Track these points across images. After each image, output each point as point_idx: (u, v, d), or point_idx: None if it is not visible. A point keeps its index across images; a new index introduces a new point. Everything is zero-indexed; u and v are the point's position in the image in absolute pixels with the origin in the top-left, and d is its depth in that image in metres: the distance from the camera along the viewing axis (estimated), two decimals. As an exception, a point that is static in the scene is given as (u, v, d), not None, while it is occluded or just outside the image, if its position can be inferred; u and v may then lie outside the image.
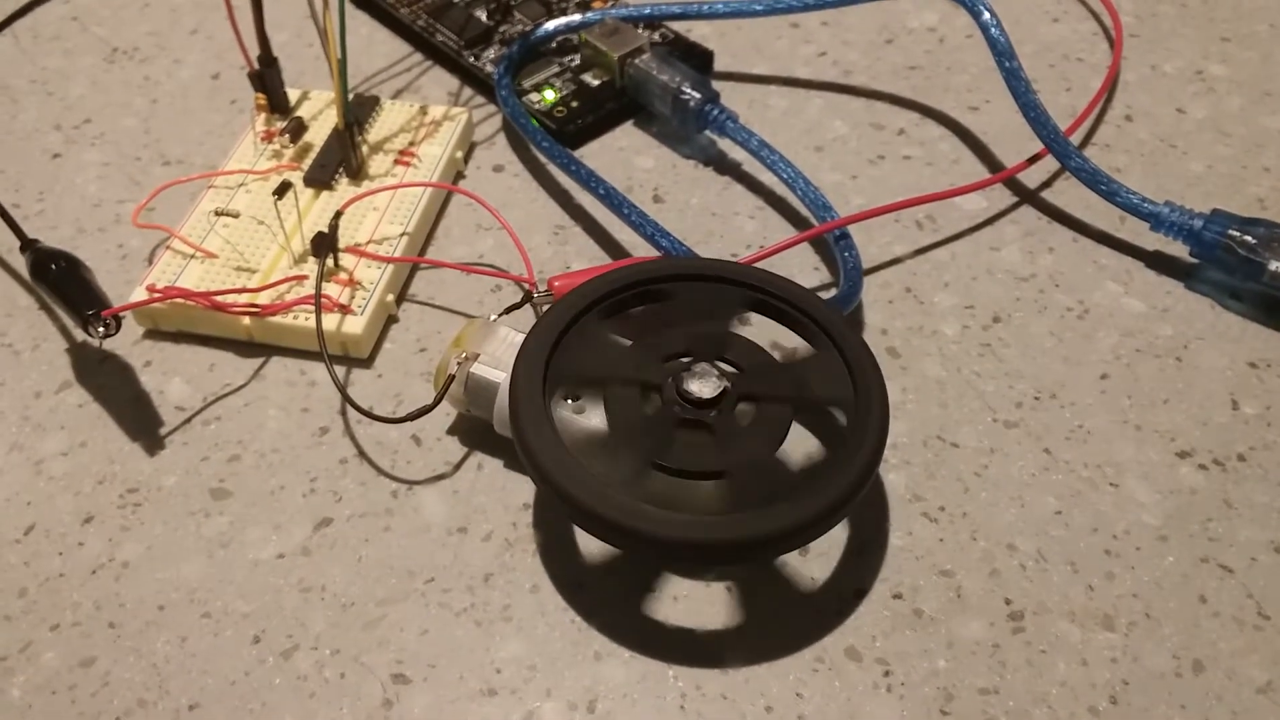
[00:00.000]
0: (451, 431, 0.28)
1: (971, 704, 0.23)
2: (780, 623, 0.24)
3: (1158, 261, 0.32)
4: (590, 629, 0.24)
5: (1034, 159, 0.33)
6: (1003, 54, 0.32)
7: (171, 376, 0.29)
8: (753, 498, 0.23)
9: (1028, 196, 0.34)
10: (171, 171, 0.35)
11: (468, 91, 0.38)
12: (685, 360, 0.25)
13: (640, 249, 0.32)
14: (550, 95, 0.36)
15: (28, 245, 0.30)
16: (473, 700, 0.23)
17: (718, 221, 0.33)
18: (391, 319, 0.31)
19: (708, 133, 0.35)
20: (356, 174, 0.33)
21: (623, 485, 0.23)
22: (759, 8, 0.36)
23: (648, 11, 0.37)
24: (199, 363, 0.30)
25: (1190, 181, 0.34)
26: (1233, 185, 0.34)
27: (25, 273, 0.29)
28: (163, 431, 0.28)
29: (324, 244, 0.30)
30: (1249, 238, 0.30)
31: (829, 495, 0.23)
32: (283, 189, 0.30)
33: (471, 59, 0.38)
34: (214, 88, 0.38)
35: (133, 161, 0.36)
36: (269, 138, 0.34)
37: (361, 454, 0.28)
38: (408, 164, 0.34)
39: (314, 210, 0.32)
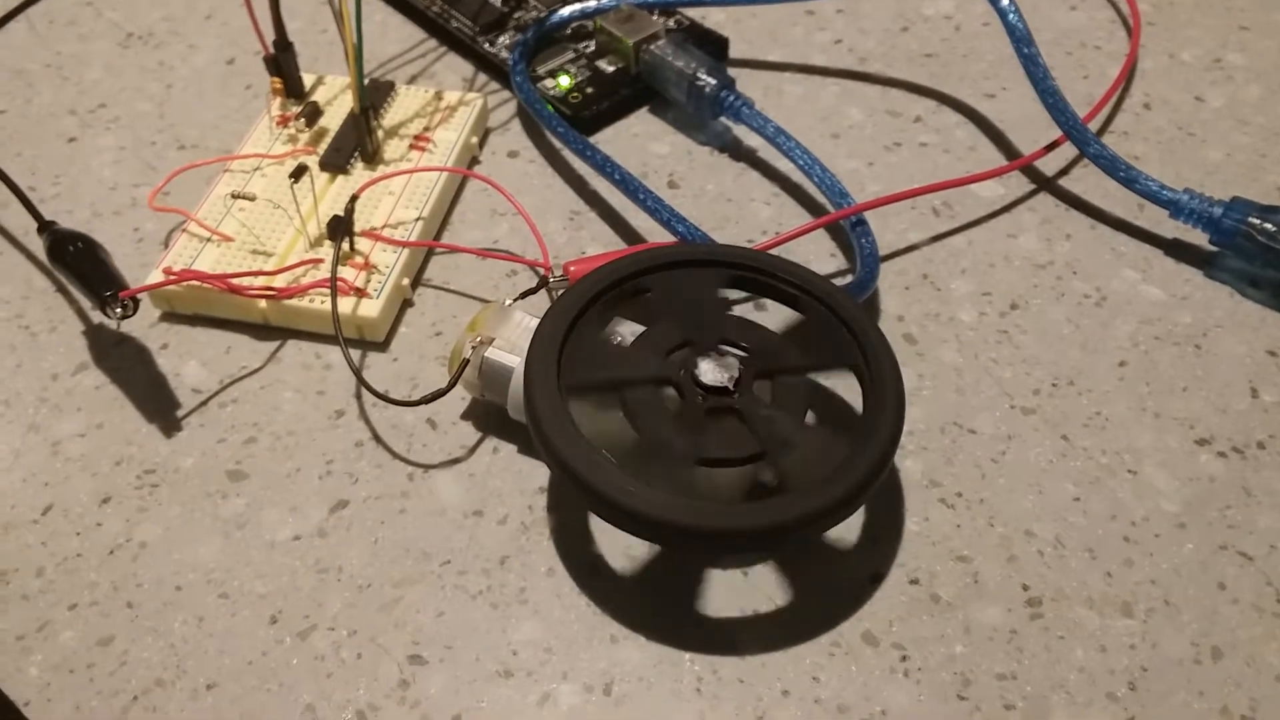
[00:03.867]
0: (467, 415, 0.28)
1: (989, 689, 0.23)
2: (797, 607, 0.24)
3: (1176, 249, 0.31)
4: (606, 612, 0.24)
5: (1052, 146, 0.33)
6: (1021, 40, 0.32)
7: (188, 359, 0.30)
8: (798, 471, 0.23)
9: (1045, 184, 0.34)
10: (187, 155, 0.35)
11: (482, 77, 0.38)
12: (689, 349, 0.25)
13: (655, 235, 0.32)
14: (565, 81, 0.36)
15: (45, 227, 0.30)
16: (489, 682, 0.23)
17: (733, 207, 0.33)
18: (407, 303, 0.31)
19: (723, 119, 0.35)
20: (372, 158, 0.33)
21: (671, 486, 0.23)
22: (775, -6, 0.36)
23: (663, -3, 0.37)
24: (215, 345, 0.30)
25: (1209, 169, 0.34)
26: (1252, 173, 0.33)
27: (42, 255, 0.29)
28: (179, 413, 0.28)
29: (339, 228, 0.30)
30: (1269, 225, 0.29)
31: (852, 480, 0.23)
32: (298, 173, 0.30)
33: (486, 45, 0.38)
34: (229, 72, 0.38)
35: (148, 146, 0.36)
36: (284, 122, 0.34)
37: (377, 437, 0.28)
38: (423, 149, 0.34)
39: (330, 194, 0.32)
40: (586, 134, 0.35)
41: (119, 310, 0.27)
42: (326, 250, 0.30)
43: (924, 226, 0.32)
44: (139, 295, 0.27)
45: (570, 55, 0.37)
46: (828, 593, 0.25)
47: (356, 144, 0.33)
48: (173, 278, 0.29)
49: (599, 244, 0.32)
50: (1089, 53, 0.38)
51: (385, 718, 0.23)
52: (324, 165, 0.33)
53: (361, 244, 0.30)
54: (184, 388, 0.29)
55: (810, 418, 0.27)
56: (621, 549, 0.25)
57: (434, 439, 0.28)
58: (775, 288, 0.27)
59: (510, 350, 0.26)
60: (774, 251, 0.28)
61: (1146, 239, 0.32)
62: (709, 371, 0.24)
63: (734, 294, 0.30)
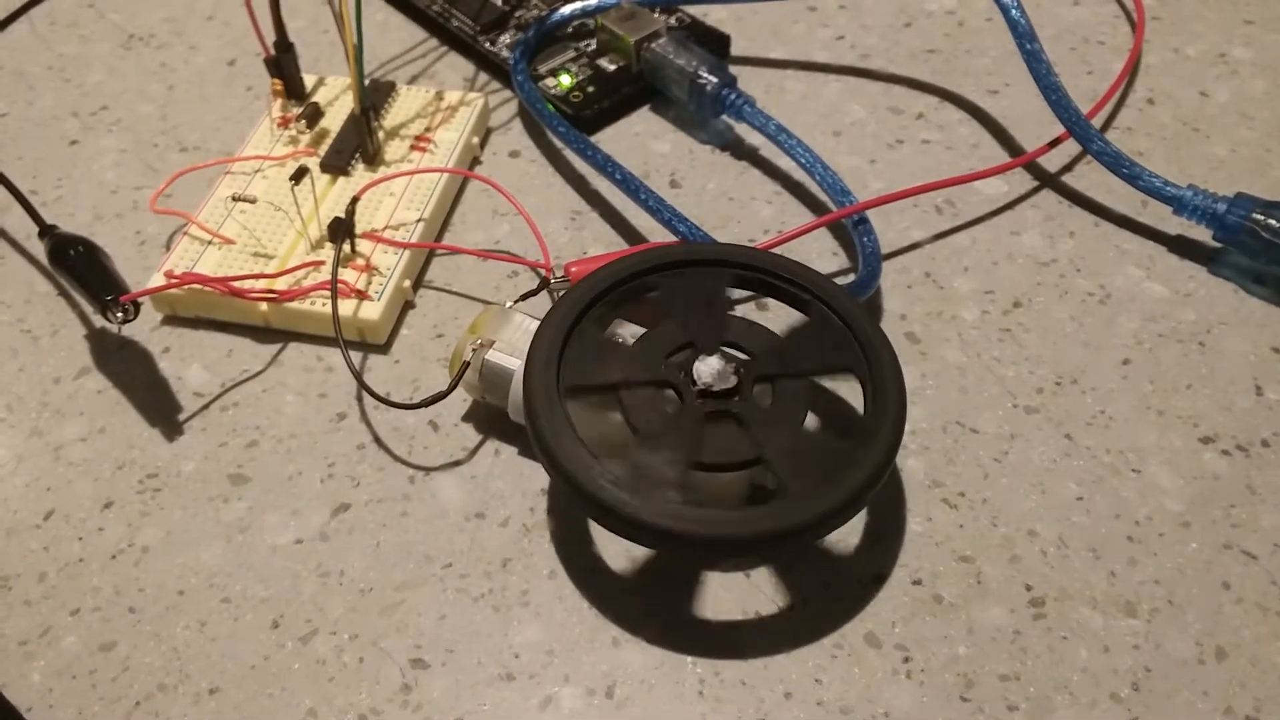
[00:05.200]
0: (468, 417, 0.28)
1: (992, 690, 0.23)
2: (799, 609, 0.24)
3: (1180, 246, 0.31)
4: (608, 614, 0.24)
5: (1055, 142, 0.33)
6: (1024, 36, 0.32)
7: (190, 362, 0.30)
8: (796, 477, 0.23)
9: (1048, 180, 0.33)
10: (188, 158, 0.35)
11: (483, 77, 0.38)
12: (690, 351, 0.25)
13: (657, 234, 0.32)
14: (566, 80, 0.36)
15: (46, 231, 0.30)
16: (491, 685, 0.23)
17: (735, 206, 0.33)
18: (408, 305, 0.31)
19: (725, 117, 0.35)
20: (373, 160, 0.33)
21: (668, 490, 0.23)
22: (776, -9, 0.36)
23: (664, -5, 0.37)
24: (217, 348, 0.30)
25: (1213, 165, 0.33)
26: (1256, 169, 0.33)
27: (44, 258, 0.29)
28: (181, 417, 0.28)
29: (341, 230, 0.29)
30: (1273, 221, 0.29)
31: (852, 484, 0.23)
32: (299, 174, 0.29)
33: (487, 44, 0.38)
34: (230, 74, 0.38)
35: (150, 148, 0.36)
36: (285, 123, 0.34)
37: (378, 440, 0.28)
38: (424, 149, 0.34)
39: (331, 196, 0.32)
40: (588, 133, 0.35)
41: (120, 314, 0.27)
42: (327, 252, 0.30)
43: (926, 224, 0.32)
44: (140, 299, 0.27)
45: (571, 54, 0.37)
46: (830, 594, 0.25)
47: (357, 145, 0.33)
48: (174, 281, 0.29)
49: (600, 244, 0.32)
50: (1092, 48, 0.38)
51: (387, 721, 0.23)
52: (325, 167, 0.33)
53: (362, 246, 0.30)
54: (186, 391, 0.29)
55: (811, 420, 0.27)
56: (623, 551, 0.25)
57: (435, 441, 0.28)
58: (777, 287, 0.27)
59: (511, 353, 0.26)
60: (776, 250, 0.28)
61: (1150, 236, 0.32)
62: (708, 375, 0.24)
63: (736, 293, 0.30)
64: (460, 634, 0.24)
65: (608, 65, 0.36)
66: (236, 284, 0.29)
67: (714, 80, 0.34)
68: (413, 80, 0.38)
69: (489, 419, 0.28)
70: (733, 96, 0.34)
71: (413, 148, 0.34)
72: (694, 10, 0.39)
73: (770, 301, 0.30)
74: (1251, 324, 0.29)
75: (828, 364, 0.26)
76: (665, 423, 0.24)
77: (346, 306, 0.29)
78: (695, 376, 0.24)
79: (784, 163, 0.34)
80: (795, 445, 0.24)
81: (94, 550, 0.26)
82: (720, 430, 0.24)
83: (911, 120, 0.36)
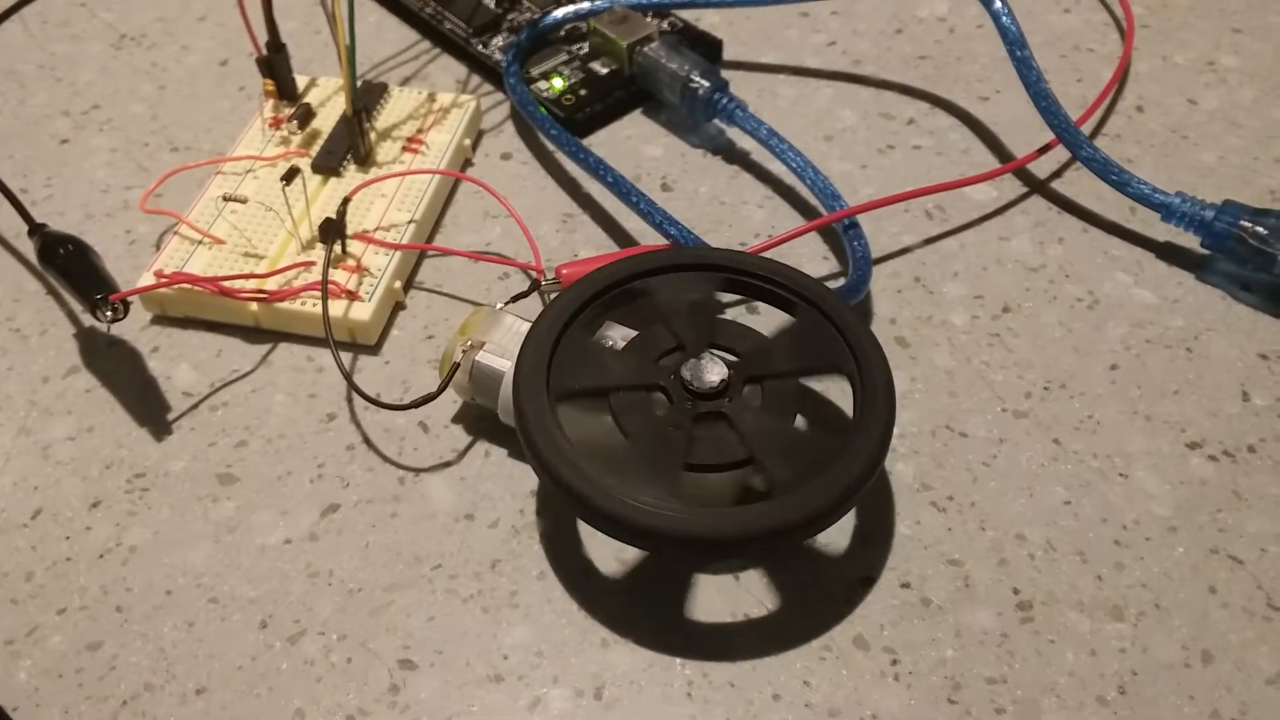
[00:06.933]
0: (458, 419, 0.28)
1: (979, 693, 0.23)
2: (788, 611, 0.24)
3: (1168, 252, 0.31)
4: (597, 616, 0.24)
5: (1044, 149, 0.33)
6: (1014, 43, 0.32)
7: (179, 362, 0.29)
8: (787, 477, 0.23)
9: (1038, 187, 0.34)
10: (179, 157, 0.35)
11: (476, 79, 0.38)
12: (679, 354, 0.25)
13: (648, 237, 0.32)
14: (559, 83, 0.36)
15: (35, 229, 0.30)
16: (479, 686, 0.23)
17: (726, 210, 0.33)
18: (399, 306, 0.31)
19: (716, 121, 0.35)
20: (364, 161, 0.33)
21: (658, 492, 0.23)
22: (769, -4, 0.36)
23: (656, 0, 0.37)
24: (206, 348, 0.30)
25: (1202, 172, 0.34)
26: (1244, 176, 0.33)
27: (33, 257, 0.29)
28: (170, 417, 0.28)
29: (332, 230, 0.30)
30: (1260, 229, 0.29)
31: (839, 484, 0.23)
32: (290, 175, 0.29)
33: (480, 47, 0.38)
34: (222, 74, 0.38)
35: (141, 147, 0.36)
36: (277, 124, 0.34)
37: (368, 441, 0.28)
38: (416, 151, 0.34)
39: (322, 196, 0.32)
40: (580, 136, 0.35)
41: (109, 314, 0.27)
42: (318, 253, 0.30)
43: (917, 229, 0.32)
44: (130, 298, 0.27)
45: (564, 57, 0.37)
46: (819, 597, 0.25)
47: (349, 146, 0.33)
48: (164, 280, 0.29)
49: (592, 246, 0.32)
50: (1082, 55, 0.38)
51: (375, 722, 0.23)
52: (316, 167, 0.33)
53: (354, 247, 0.30)
54: (175, 391, 0.29)
55: (800, 421, 0.27)
56: (612, 553, 0.25)
57: (425, 443, 0.28)
58: (767, 291, 0.27)
59: (501, 354, 0.26)
60: (767, 254, 0.28)
61: (1139, 242, 0.32)
62: (698, 377, 0.24)
63: (727, 297, 0.30)
64: (449, 635, 0.24)
65: (600, 69, 0.37)
66: (227, 284, 0.29)
67: (706, 84, 0.34)
68: (405, 82, 0.38)
69: (479, 420, 0.28)
70: (724, 101, 0.34)
71: (404, 149, 0.34)
72: (686, 14, 0.39)
73: (761, 305, 0.30)
74: (1239, 330, 0.29)
75: (816, 363, 0.26)
76: (656, 425, 0.24)
77: (337, 307, 0.29)
78: (684, 378, 0.24)
79: (775, 167, 0.34)
80: (786, 444, 0.24)
81: (81, 549, 0.26)
82: (711, 431, 0.24)
83: (902, 126, 0.36)
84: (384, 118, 0.35)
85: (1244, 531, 0.25)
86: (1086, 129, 0.35)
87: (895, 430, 0.24)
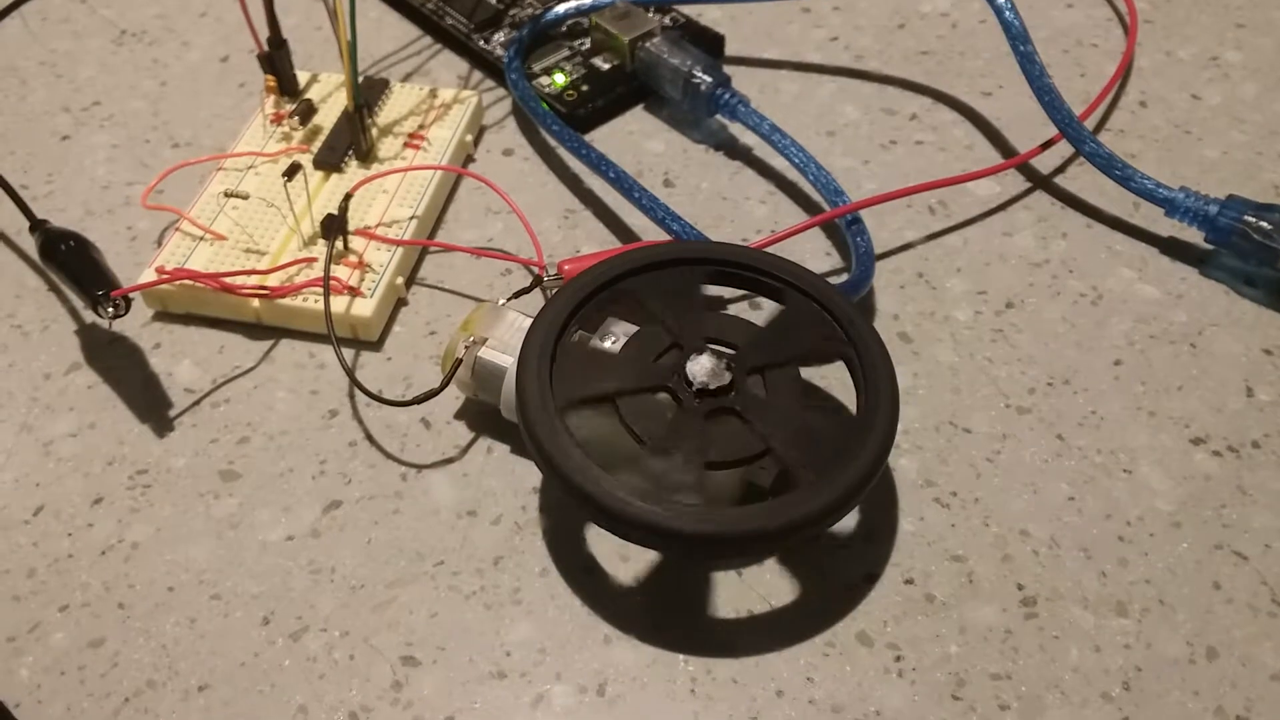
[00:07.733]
0: (460, 415, 0.28)
1: (983, 689, 0.23)
2: (791, 607, 0.24)
3: (1172, 248, 0.31)
4: (600, 612, 0.24)
5: (1048, 144, 0.33)
6: (1017, 38, 0.32)
7: (181, 358, 0.29)
8: (806, 463, 0.23)
9: (1041, 182, 0.33)
10: (180, 154, 0.35)
11: (477, 75, 0.38)
12: (678, 351, 0.25)
13: (650, 233, 0.32)
14: (560, 79, 0.36)
15: (37, 226, 0.30)
16: (482, 683, 0.23)
17: (728, 206, 0.33)
18: (401, 302, 0.31)
19: (718, 117, 0.35)
20: (366, 157, 0.33)
21: (687, 495, 0.23)
22: (771, -9, 0.36)
23: (659, -5, 0.37)
24: (208, 345, 0.30)
25: (1205, 167, 0.34)
26: (1248, 171, 0.33)
27: (34, 254, 0.29)
28: (172, 413, 0.28)
29: (334, 226, 0.29)
30: (1264, 224, 0.29)
31: (843, 483, 0.23)
32: (292, 171, 0.29)
33: (481, 42, 0.38)
34: (223, 70, 0.38)
35: (142, 144, 0.36)
36: (278, 120, 0.34)
37: (370, 437, 0.28)
38: (417, 147, 0.34)
39: (323, 192, 0.32)
40: (581, 132, 0.35)
41: (111, 310, 0.27)
42: (320, 249, 0.30)
43: (919, 225, 0.32)
44: (131, 295, 0.27)
45: (565, 53, 0.37)
46: (822, 593, 0.25)
47: (350, 142, 0.33)
48: (165, 277, 0.29)
49: (594, 242, 0.32)
50: (1085, 50, 0.38)
51: (378, 719, 0.23)
52: (318, 163, 0.33)
53: (355, 243, 0.30)
54: (176, 387, 0.29)
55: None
56: (615, 550, 0.25)
57: (428, 439, 0.27)
58: (768, 285, 0.26)
59: (503, 350, 0.26)
60: (769, 250, 0.28)
61: (1142, 237, 0.32)
62: (703, 373, 0.24)
63: (729, 292, 0.30)
64: (451, 631, 0.24)
65: (602, 64, 0.36)
66: (228, 280, 0.29)
67: (708, 80, 0.34)
68: (406, 78, 0.38)
69: (481, 416, 0.28)
70: (727, 96, 0.34)
71: (406, 145, 0.34)
72: (688, 10, 0.39)
73: (763, 301, 0.30)
74: (1243, 325, 0.29)
75: (814, 348, 0.26)
76: (670, 427, 0.24)
77: (339, 303, 0.29)
78: (690, 377, 0.24)
79: (778, 163, 0.34)
80: (799, 432, 0.24)
81: (83, 546, 0.26)
82: (724, 427, 0.24)
83: (905, 121, 0.36)
84: (385, 114, 0.35)
85: (1248, 527, 0.25)
86: (1090, 124, 0.35)
87: (899, 426, 0.24)
